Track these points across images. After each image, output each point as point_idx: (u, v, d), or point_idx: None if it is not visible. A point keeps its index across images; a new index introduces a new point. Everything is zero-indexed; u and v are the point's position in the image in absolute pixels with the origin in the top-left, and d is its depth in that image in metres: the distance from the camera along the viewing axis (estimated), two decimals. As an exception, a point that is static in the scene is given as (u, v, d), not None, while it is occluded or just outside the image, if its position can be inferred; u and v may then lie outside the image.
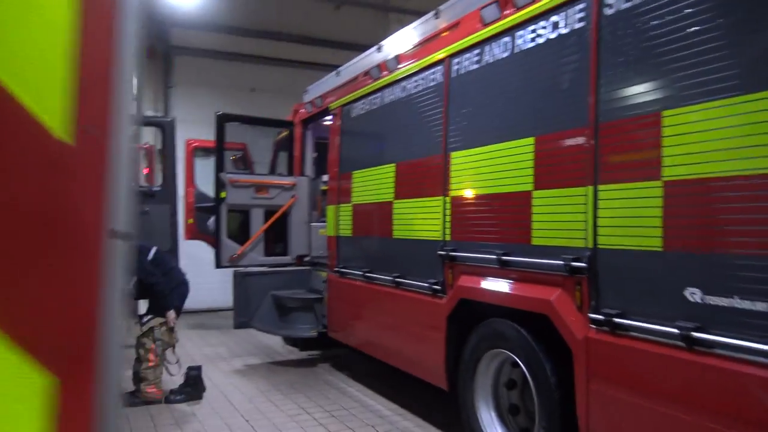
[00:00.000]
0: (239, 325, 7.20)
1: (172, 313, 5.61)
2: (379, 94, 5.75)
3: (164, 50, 11.39)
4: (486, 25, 4.19)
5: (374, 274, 5.60)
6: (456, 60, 4.54)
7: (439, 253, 4.55)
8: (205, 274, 8.46)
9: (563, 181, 3.47)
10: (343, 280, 6.30)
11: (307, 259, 7.70)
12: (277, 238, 7.65)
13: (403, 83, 5.30)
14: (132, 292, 5.83)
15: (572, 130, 3.42)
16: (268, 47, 11.92)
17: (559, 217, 3.51)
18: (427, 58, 4.90)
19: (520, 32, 3.88)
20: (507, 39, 4.00)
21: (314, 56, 11.86)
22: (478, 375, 4.21)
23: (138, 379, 5.53)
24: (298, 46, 12.10)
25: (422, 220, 4.91)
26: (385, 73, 5.66)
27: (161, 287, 5.56)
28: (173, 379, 5.83)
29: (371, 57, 6.18)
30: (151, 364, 5.52)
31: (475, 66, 4.33)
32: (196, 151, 9.62)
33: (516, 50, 3.92)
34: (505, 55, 4.02)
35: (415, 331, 4.97)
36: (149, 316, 5.62)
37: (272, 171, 8.74)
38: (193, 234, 9.26)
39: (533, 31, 3.77)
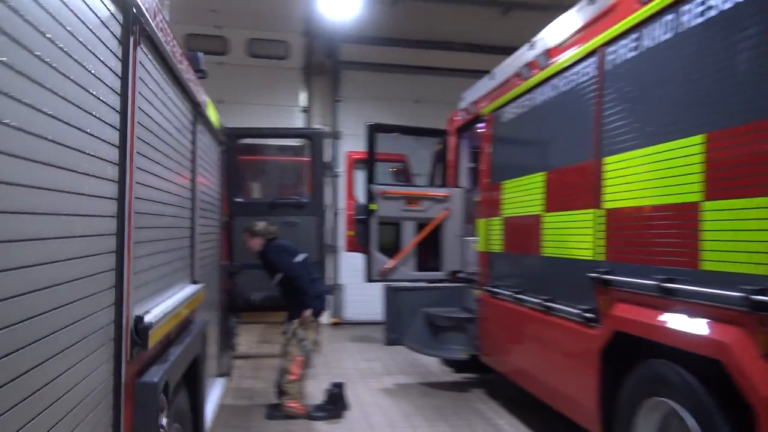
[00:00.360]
0: (390, 341, 6.97)
1: (308, 311, 5.48)
2: (529, 96, 5.19)
3: (333, 66, 11.69)
4: (644, 3, 3.49)
5: (524, 296, 5.03)
6: (611, 49, 3.87)
7: (590, 275, 3.89)
8: (367, 287, 8.35)
9: (742, 189, 2.70)
10: (493, 300, 5.79)
11: (461, 275, 7.27)
12: (429, 252, 7.32)
13: (554, 81, 4.70)
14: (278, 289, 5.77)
15: (756, 122, 2.65)
16: (432, 57, 11.70)
17: (737, 236, 2.74)
18: (579, 49, 4.27)
19: (687, 6, 3.15)
20: (670, 17, 3.28)
21: (481, 64, 11.31)
22: (638, 426, 3.47)
23: (280, 392, 5.50)
24: (464, 54, 11.73)
25: (572, 236, 4.27)
26: (535, 71, 5.09)
27: (302, 282, 5.45)
28: (316, 394, 5.75)
29: (523, 55, 5.62)
30: (293, 377, 5.44)
31: (632, 54, 3.63)
32: (356, 163, 9.66)
33: (681, 29, 3.19)
34: (666, 37, 3.30)
35: (566, 365, 4.33)
36: (291, 322, 5.54)
37: (431, 183, 8.45)
38: (353, 246, 9.27)
39: (703, 2, 3.02)
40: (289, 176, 9.89)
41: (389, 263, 7.06)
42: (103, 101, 1.81)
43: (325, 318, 11.37)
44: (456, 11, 11.30)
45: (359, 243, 8.86)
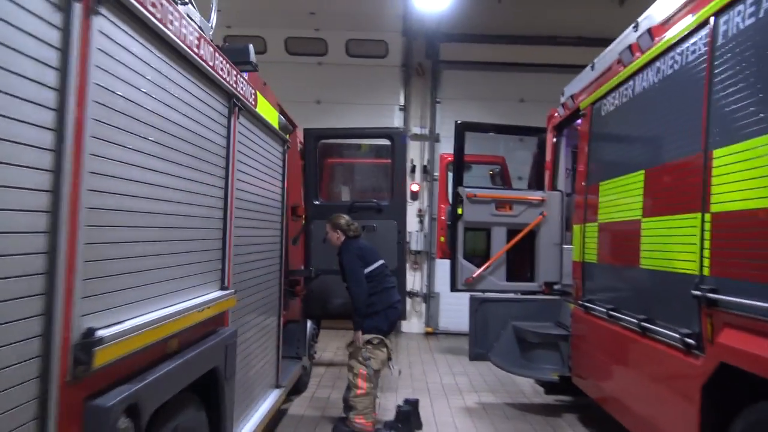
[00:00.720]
0: (474, 356, 6.44)
1: (360, 334, 5.07)
2: (629, 84, 4.52)
3: (432, 66, 11.30)
4: (765, -45, 2.81)
5: (618, 313, 4.36)
6: (723, 18, 3.19)
7: (694, 293, 3.21)
8: (462, 296, 7.87)
9: None
10: (587, 317, 5.12)
11: (557, 287, 6.59)
12: (521, 261, 6.71)
13: (657, 63, 4.02)
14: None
15: None
16: (539, 53, 10.95)
17: None
18: (686, 24, 3.59)
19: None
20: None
21: (594, 58, 10.55)
22: (748, 483, 2.78)
23: (347, 406, 5.16)
24: (574, 48, 10.89)
25: (674, 245, 3.58)
26: (637, 55, 4.43)
27: (359, 299, 4.99)
28: (393, 409, 5.37)
29: (625, 39, 4.95)
30: (360, 392, 5.07)
31: (750, 21, 2.95)
32: (450, 165, 9.19)
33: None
34: (793, -8, 2.61)
35: (662, 397, 3.64)
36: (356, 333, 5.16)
37: (531, 186, 7.82)
38: (445, 253, 8.80)
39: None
40: (374, 178, 9.60)
41: (476, 272, 6.54)
42: (19, 74, 1.52)
43: (418, 327, 11.01)
44: (566, 3, 10.52)
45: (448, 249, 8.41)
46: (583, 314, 5.21)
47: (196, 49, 2.56)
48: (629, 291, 4.35)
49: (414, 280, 11.08)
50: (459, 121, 6.78)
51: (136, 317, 2.09)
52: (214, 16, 3.40)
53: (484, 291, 6.60)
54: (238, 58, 3.44)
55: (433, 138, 11.15)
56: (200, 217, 2.76)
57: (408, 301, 11.06)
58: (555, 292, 6.56)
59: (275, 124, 4.24)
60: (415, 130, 11.21)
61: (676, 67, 3.74)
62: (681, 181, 3.54)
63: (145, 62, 2.16)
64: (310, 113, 10.67)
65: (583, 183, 5.45)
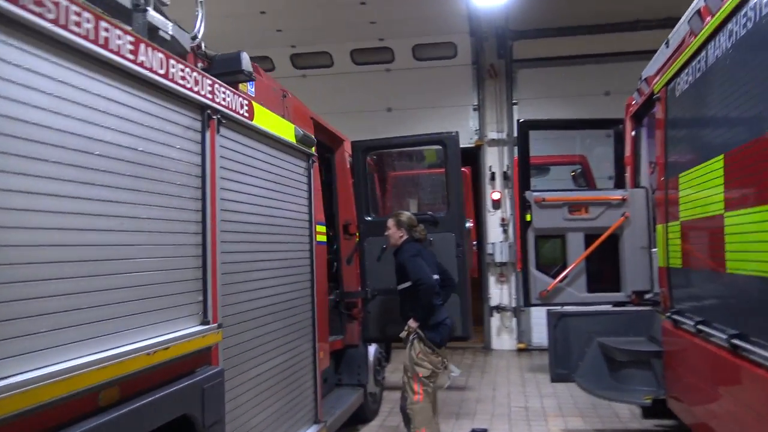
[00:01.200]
0: (557, 377, 5.80)
1: (413, 322, 4.55)
2: (701, 55, 3.84)
3: (506, 67, 10.71)
4: None
5: (707, 328, 3.66)
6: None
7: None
8: (556, 309, 7.24)
9: None
10: (676, 331, 4.41)
11: (648, 296, 5.82)
12: (604, 269, 5.99)
13: (729, 26, 3.35)
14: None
15: None
16: (621, 41, 10.08)
17: None
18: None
19: None
20: None
21: (685, 39, 9.56)
22: None
23: (406, 417, 4.66)
24: (663, 31, 9.92)
25: (763, 243, 2.90)
26: (708, 20, 3.74)
27: (426, 293, 4.49)
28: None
29: (697, 4, 4.25)
30: (416, 397, 4.53)
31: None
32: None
33: None
34: None
35: (759, 431, 2.94)
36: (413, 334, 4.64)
37: (617, 185, 7.06)
38: (525, 264, 8.16)
39: None
40: (434, 189, 9.04)
41: (551, 283, 5.91)
42: None
43: (509, 344, 10.32)
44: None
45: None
46: (673, 328, 4.49)
47: (130, 56, 2.28)
48: (718, 300, 3.65)
49: (501, 294, 10.45)
50: (521, 120, 6.22)
51: (25, 372, 1.76)
52: (199, 25, 3.13)
53: (562, 305, 5.95)
54: (227, 68, 3.17)
55: (512, 142, 10.52)
56: (155, 246, 2.42)
57: (496, 316, 10.46)
58: (646, 302, 5.80)
59: (289, 137, 3.90)
60: (492, 135, 10.66)
61: (749, 25, 3.07)
62: (765, 164, 2.87)
63: (33, 72, 1.86)
64: (381, 122, 10.45)
65: (662, 177, 4.75)
